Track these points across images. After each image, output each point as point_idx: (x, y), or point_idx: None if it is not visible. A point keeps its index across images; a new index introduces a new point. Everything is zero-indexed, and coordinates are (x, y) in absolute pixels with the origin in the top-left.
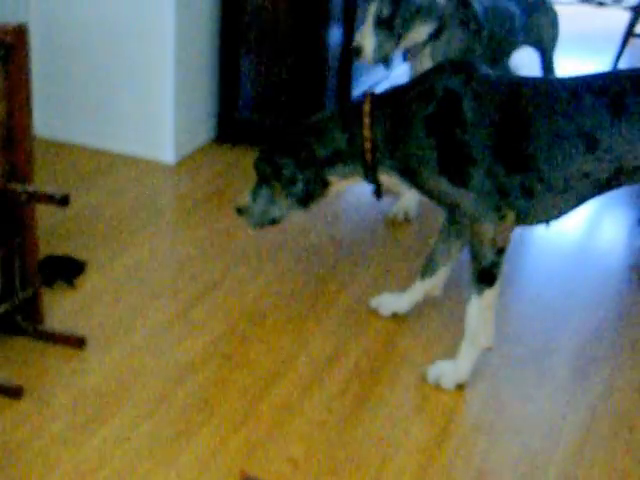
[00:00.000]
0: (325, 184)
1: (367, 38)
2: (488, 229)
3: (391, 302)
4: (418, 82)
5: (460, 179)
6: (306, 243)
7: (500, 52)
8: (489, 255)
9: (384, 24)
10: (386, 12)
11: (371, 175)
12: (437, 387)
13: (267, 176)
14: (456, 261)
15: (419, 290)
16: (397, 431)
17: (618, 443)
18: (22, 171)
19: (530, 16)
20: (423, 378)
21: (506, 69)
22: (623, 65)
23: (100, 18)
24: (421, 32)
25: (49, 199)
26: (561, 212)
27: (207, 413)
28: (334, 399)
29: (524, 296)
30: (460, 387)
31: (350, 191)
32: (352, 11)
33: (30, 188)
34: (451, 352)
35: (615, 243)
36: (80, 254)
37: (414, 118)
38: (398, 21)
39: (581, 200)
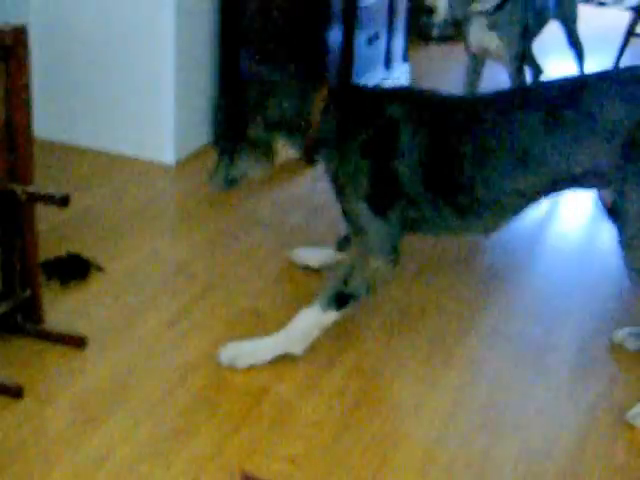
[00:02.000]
0: (271, 146)
1: (440, 1)
2: (377, 267)
3: (306, 255)
4: (370, 99)
5: (382, 209)
6: (307, 242)
7: (538, 25)
8: (359, 288)
9: None
10: None
11: (307, 158)
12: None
13: (219, 134)
14: None
15: (331, 257)
16: (397, 430)
17: (618, 441)
18: (22, 172)
19: None
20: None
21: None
22: (625, 64)
23: (100, 20)
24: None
25: (49, 200)
26: (497, 226)
27: (207, 413)
28: (334, 398)
29: (525, 295)
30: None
31: None
32: (352, 12)
33: (30, 189)
34: (451, 352)
35: (615, 243)
36: (81, 255)
37: (353, 139)
38: None
39: (516, 213)
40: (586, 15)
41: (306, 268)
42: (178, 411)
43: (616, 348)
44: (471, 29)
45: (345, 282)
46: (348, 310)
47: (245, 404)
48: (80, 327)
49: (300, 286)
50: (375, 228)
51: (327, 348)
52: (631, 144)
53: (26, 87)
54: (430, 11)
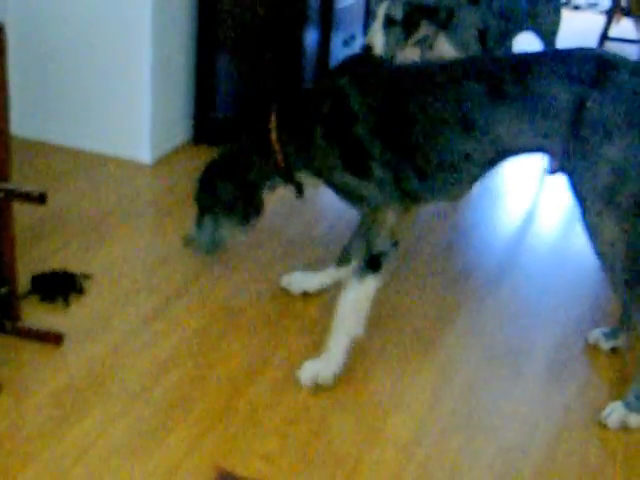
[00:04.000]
0: (261, 203)
1: (377, 37)
2: (389, 217)
3: (302, 280)
4: (315, 87)
5: (362, 172)
6: (283, 242)
7: (506, 31)
8: (383, 244)
9: (393, 24)
10: (395, 13)
11: (289, 181)
12: (316, 386)
13: (209, 205)
14: None
15: (331, 275)
16: (372, 428)
17: (591, 441)
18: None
19: (534, 1)
20: (297, 382)
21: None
22: None
23: (77, 17)
24: (429, 28)
25: (26, 197)
26: (462, 189)
27: (184, 410)
28: (309, 396)
29: (500, 295)
30: (424, 398)
31: (327, 191)
32: (329, 12)
33: (7, 186)
34: (427, 352)
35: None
36: (57, 253)
37: (312, 120)
38: (407, 22)
39: (474, 178)
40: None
41: (305, 294)
42: (155, 408)
43: (590, 348)
44: (426, 50)
45: (368, 245)
46: (385, 271)
47: (221, 402)
48: (57, 324)
49: (276, 284)
50: (367, 189)
51: (303, 345)
52: (577, 123)
53: (3, 85)
54: (369, 50)
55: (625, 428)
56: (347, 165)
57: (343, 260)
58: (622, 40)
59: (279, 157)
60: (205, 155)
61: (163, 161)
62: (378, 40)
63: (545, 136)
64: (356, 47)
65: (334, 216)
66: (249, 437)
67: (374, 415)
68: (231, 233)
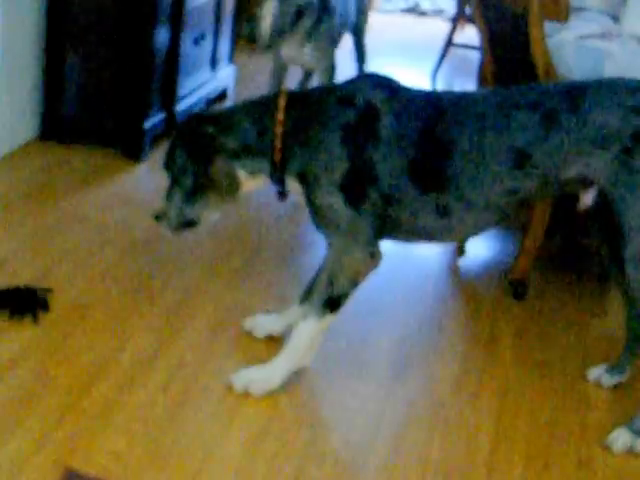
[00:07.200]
0: (235, 179)
1: (267, 20)
2: (355, 262)
3: (266, 324)
4: (336, 89)
5: (356, 199)
6: (131, 240)
7: (339, 37)
8: (345, 286)
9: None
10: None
11: (277, 175)
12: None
13: (173, 173)
14: None
15: (296, 315)
16: (220, 425)
17: (433, 435)
18: None
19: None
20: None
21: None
22: (444, 72)
23: None
24: (306, 24)
25: None
26: (481, 229)
27: (29, 407)
28: (157, 394)
29: None
30: (270, 395)
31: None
32: (179, 13)
33: None
34: (270, 350)
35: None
36: None
37: (331, 123)
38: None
39: (503, 217)
40: (408, 24)
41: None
42: None
43: (433, 344)
44: (285, 44)
45: (331, 285)
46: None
47: (68, 399)
48: None
49: (125, 282)
50: (348, 220)
51: (151, 343)
52: (629, 153)
53: None
54: (253, 33)
55: (631, 452)
56: (345, 185)
57: (307, 297)
58: (466, 46)
59: (277, 144)
60: (52, 152)
61: (8, 158)
62: (267, 23)
63: (592, 166)
64: (206, 46)
65: None
66: (96, 434)
67: (221, 412)
68: (200, 211)
